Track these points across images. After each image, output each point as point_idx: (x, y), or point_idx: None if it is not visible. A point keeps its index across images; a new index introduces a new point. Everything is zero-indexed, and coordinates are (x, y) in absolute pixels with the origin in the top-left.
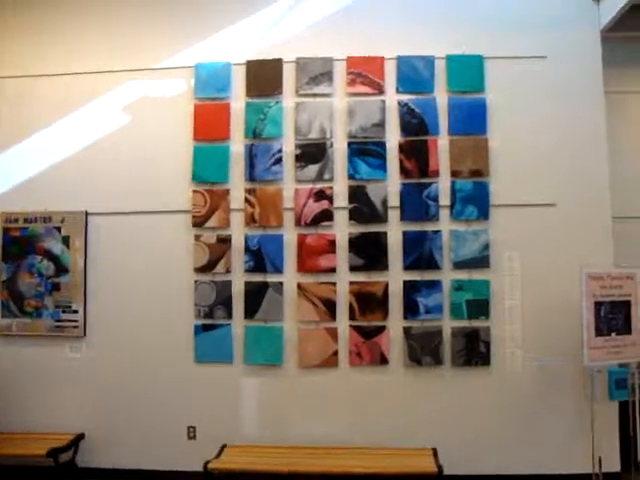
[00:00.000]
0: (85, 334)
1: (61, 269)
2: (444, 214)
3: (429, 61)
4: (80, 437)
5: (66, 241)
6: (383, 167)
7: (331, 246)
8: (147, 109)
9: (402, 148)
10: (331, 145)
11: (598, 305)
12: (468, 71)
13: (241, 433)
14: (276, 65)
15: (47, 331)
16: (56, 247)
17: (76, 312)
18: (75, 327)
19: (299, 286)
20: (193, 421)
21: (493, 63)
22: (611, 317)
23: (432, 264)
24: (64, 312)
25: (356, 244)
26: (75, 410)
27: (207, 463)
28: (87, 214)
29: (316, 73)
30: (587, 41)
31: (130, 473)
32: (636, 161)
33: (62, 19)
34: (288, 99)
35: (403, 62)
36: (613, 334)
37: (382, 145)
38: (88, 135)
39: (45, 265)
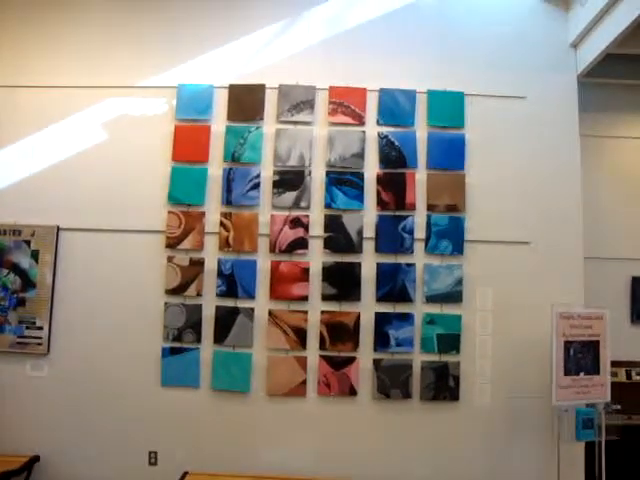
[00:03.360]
0: (49, 352)
1: (28, 284)
2: (419, 247)
3: (410, 95)
4: (35, 459)
5: (35, 255)
6: (360, 198)
7: (304, 274)
8: (127, 127)
9: (380, 180)
10: (309, 173)
11: (568, 344)
12: (449, 107)
13: (204, 460)
14: (258, 90)
15: (8, 347)
16: (24, 261)
17: (40, 329)
18: (39, 344)
19: (270, 313)
20: (155, 446)
21: (473, 100)
22: (580, 357)
23: (405, 297)
24: (28, 328)
25: (330, 273)
26: (32, 431)
27: None
28: (59, 229)
29: (298, 101)
30: (564, 85)
31: None
32: (607, 203)
33: (45, 31)
34: (269, 125)
35: (385, 94)
36: (581, 374)
37: (360, 176)
38: (64, 149)
39: (11, 279)
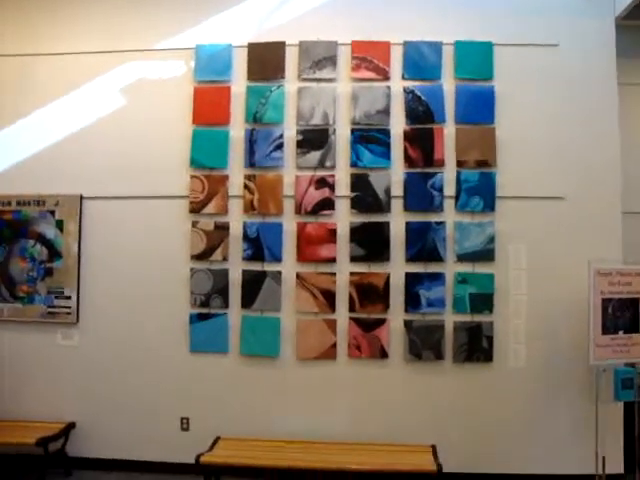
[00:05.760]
0: (78, 321)
1: (54, 254)
2: (449, 205)
3: (436, 47)
4: (71, 426)
5: (60, 225)
6: (387, 155)
7: (332, 235)
8: (145, 91)
9: (407, 136)
10: (334, 132)
11: (606, 302)
12: (476, 58)
13: (235, 425)
14: (278, 48)
15: (39, 317)
16: (49, 231)
17: (69, 298)
18: (68, 314)
19: (298, 276)
20: (186, 412)
21: (503, 50)
22: (619, 315)
23: (435, 256)
24: (57, 298)
25: (357, 234)
26: (66, 398)
27: (200, 456)
28: (82, 198)
29: (319, 57)
30: (601, 29)
31: (121, 463)
32: None
33: None
34: (290, 83)
35: (410, 48)
36: (620, 332)
37: (386, 132)
38: (84, 117)
39: (38, 249)
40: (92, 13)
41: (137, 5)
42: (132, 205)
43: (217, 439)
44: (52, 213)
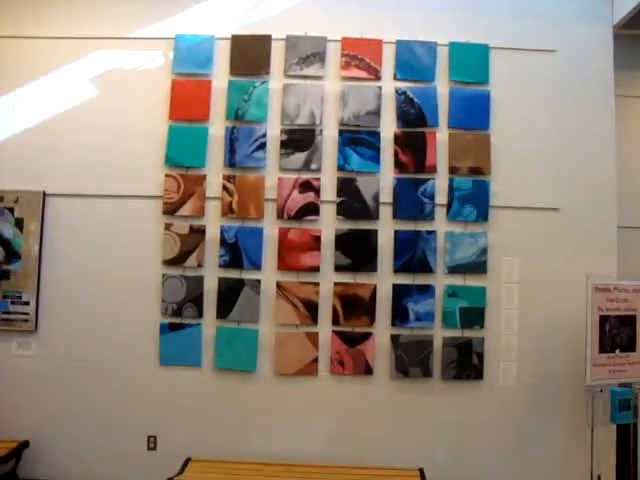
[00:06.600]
0: (36, 329)
1: (12, 255)
2: (440, 213)
3: (431, 47)
4: (24, 445)
5: (19, 224)
6: (376, 159)
7: (315, 243)
8: (119, 82)
9: (398, 139)
10: (320, 132)
11: (603, 319)
12: (472, 61)
13: (208, 446)
14: (264, 42)
15: None
16: (7, 230)
17: (27, 304)
18: (25, 320)
19: (278, 285)
20: (154, 430)
21: (499, 54)
22: (615, 332)
23: (425, 267)
24: (13, 303)
25: (343, 242)
26: (20, 414)
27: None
28: (45, 195)
29: (307, 53)
30: (599, 37)
31: None
32: None
33: None
34: (275, 79)
35: (403, 47)
36: (617, 351)
37: (376, 135)
38: (50, 107)
39: None
40: None
41: None
42: (100, 204)
43: (188, 460)
44: (11, 210)
